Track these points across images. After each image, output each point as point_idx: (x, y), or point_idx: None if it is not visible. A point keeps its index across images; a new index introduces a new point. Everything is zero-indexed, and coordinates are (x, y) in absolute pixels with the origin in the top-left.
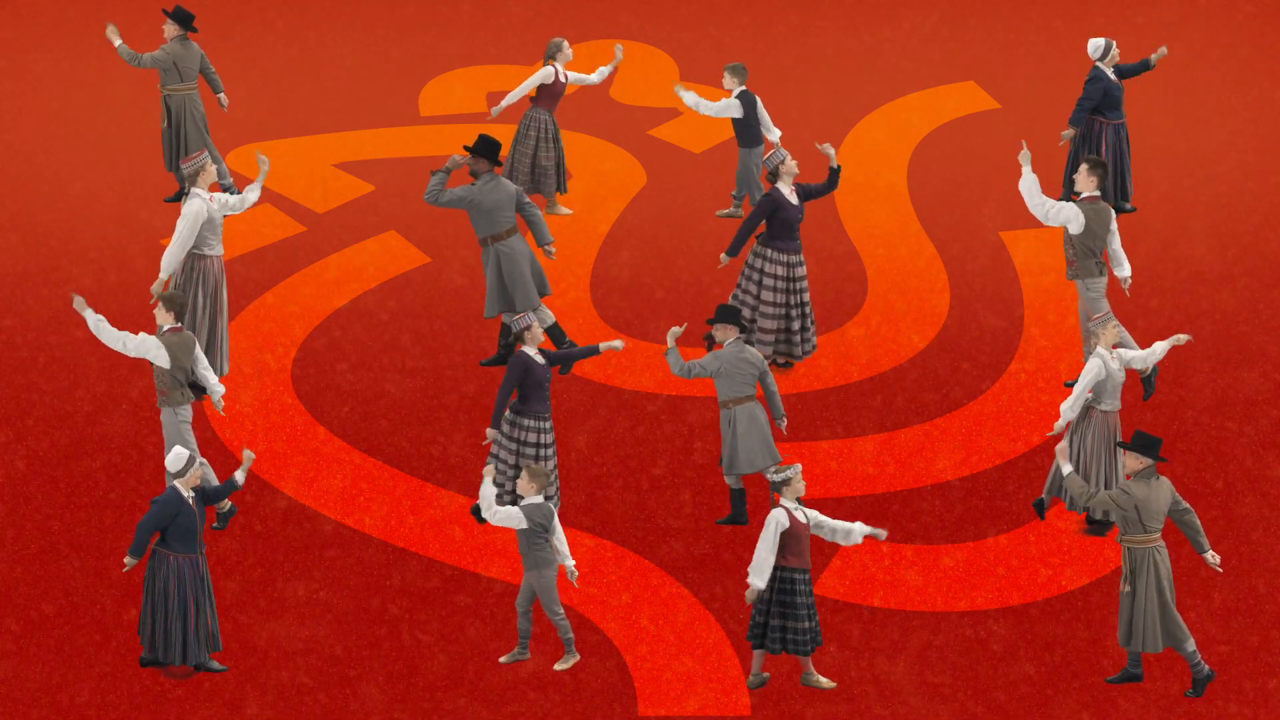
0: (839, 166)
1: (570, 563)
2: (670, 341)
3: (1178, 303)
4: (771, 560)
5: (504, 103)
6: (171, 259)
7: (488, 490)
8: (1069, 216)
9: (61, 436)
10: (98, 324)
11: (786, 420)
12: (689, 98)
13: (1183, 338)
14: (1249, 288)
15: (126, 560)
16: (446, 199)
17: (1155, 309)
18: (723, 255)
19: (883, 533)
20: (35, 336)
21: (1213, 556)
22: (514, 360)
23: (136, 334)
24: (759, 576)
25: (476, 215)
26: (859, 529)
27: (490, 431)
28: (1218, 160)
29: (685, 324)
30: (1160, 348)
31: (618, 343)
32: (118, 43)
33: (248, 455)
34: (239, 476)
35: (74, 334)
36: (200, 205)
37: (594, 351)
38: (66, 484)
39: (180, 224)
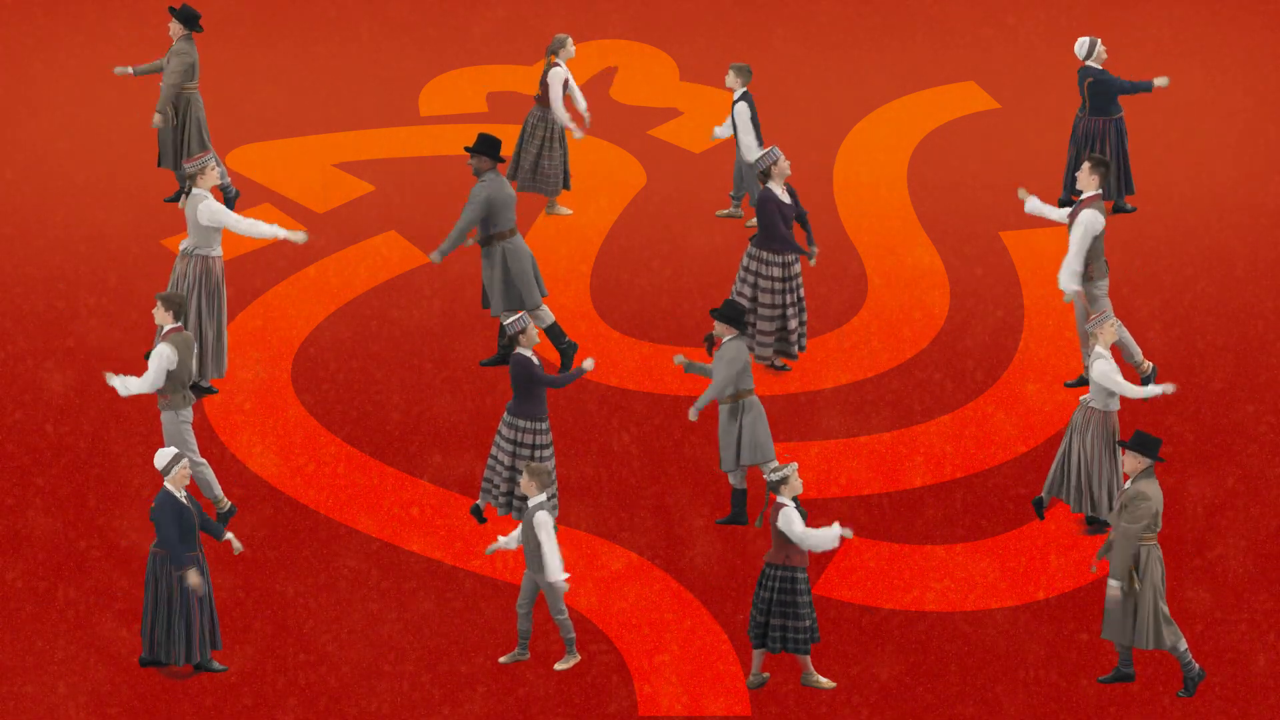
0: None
1: (556, 576)
2: (679, 362)
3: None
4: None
5: (581, 107)
6: (255, 229)
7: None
8: (1092, 220)
9: (59, 437)
10: (124, 383)
11: (693, 415)
12: (721, 131)
13: (1170, 387)
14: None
15: (189, 576)
16: (465, 226)
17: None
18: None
19: (849, 531)
20: (40, 333)
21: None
22: (519, 361)
23: (146, 368)
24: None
25: (484, 215)
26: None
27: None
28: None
29: (682, 356)
30: (1151, 390)
31: (588, 363)
32: (131, 70)
33: (237, 545)
34: (234, 541)
35: (77, 332)
36: (214, 203)
37: (581, 373)
38: (63, 484)
39: (224, 218)
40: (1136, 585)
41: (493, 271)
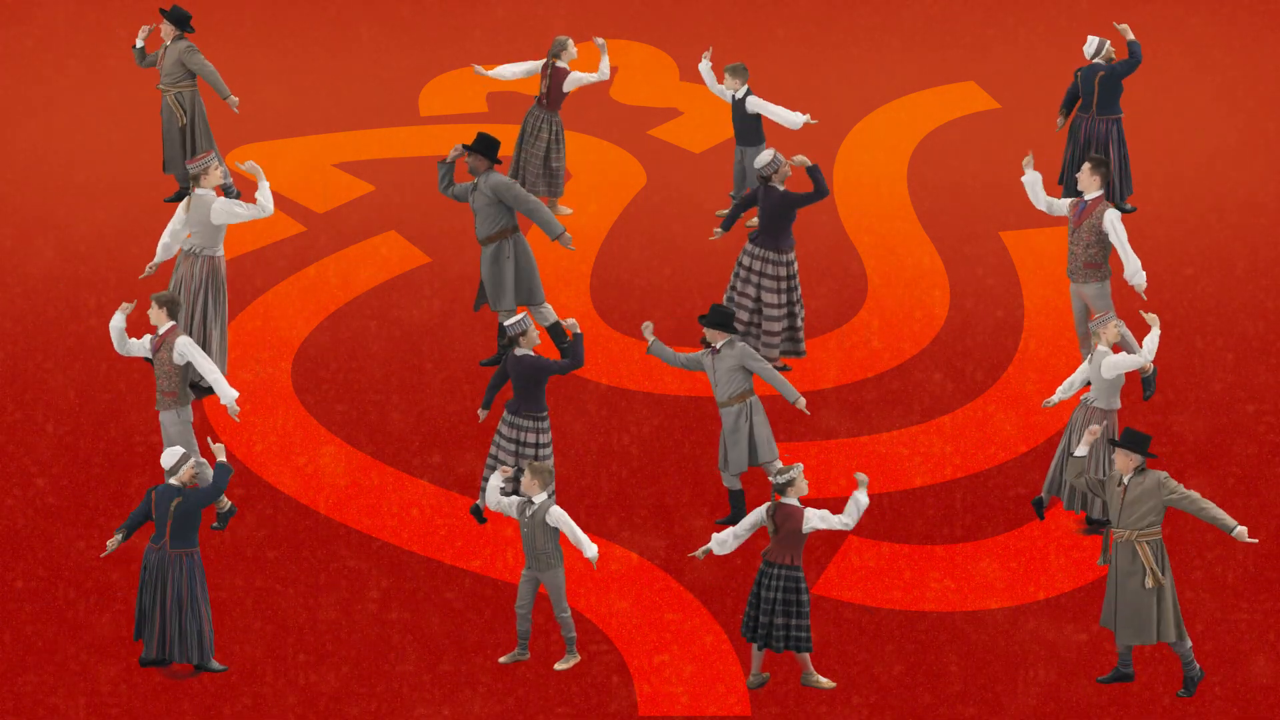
0: (815, 165)
1: (592, 550)
2: (648, 336)
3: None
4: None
5: (495, 72)
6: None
7: (494, 483)
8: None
9: (59, 437)
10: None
11: (805, 400)
12: (705, 69)
13: (1154, 317)
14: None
15: (220, 454)
16: (454, 191)
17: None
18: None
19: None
20: (40, 333)
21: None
22: (524, 360)
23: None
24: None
25: (486, 212)
26: (859, 493)
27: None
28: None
29: (651, 323)
30: (1151, 343)
31: (571, 322)
32: (142, 41)
33: (219, 447)
34: (224, 459)
35: (77, 332)
36: (224, 201)
37: (579, 339)
38: (63, 484)
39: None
40: (1161, 581)
41: (499, 267)
